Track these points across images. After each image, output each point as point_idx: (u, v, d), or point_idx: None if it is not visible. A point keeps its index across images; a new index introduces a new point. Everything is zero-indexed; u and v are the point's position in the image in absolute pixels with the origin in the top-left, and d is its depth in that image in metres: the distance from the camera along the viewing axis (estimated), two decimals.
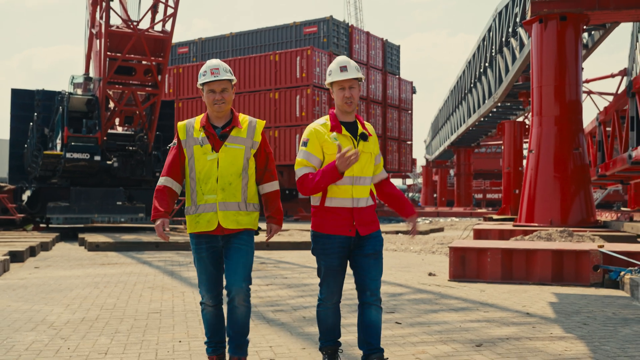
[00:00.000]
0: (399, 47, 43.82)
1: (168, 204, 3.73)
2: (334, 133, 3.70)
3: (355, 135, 3.73)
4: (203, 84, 3.77)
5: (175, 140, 3.82)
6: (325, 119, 3.78)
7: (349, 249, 3.73)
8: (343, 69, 3.74)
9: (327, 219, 3.70)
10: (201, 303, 3.85)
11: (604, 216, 23.88)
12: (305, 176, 3.67)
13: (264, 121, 3.92)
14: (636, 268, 7.17)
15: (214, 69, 3.74)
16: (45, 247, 12.34)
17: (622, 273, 7.31)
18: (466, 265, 8.11)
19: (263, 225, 4.07)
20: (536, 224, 16.34)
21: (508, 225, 17.28)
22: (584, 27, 17.78)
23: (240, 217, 3.72)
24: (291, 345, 4.55)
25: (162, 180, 3.79)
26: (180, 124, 3.85)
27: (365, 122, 3.85)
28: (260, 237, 10.99)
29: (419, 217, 32.97)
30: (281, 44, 40.74)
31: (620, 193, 48.23)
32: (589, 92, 45.63)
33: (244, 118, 3.85)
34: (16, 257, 9.94)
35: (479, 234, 15.22)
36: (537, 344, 4.58)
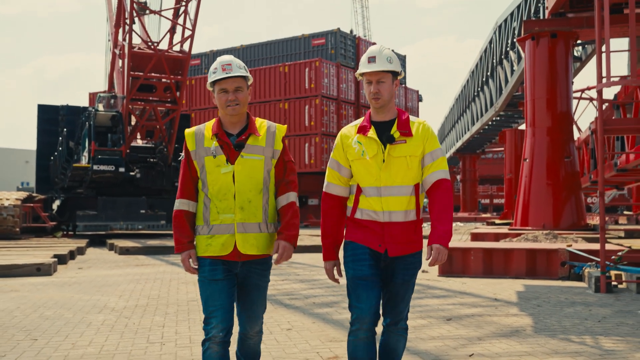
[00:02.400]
0: (404, 57, 45.16)
1: (189, 232, 3.24)
2: (357, 136, 3.22)
3: (383, 138, 3.19)
4: (214, 83, 3.24)
5: (183, 153, 3.33)
6: (360, 120, 3.31)
7: (379, 263, 3.23)
8: (371, 59, 3.22)
9: (357, 229, 3.24)
10: (205, 341, 3.17)
11: (596, 220, 24.99)
12: (325, 207, 3.33)
13: (285, 126, 3.40)
14: (594, 263, 8.43)
15: (226, 64, 3.20)
16: (81, 251, 13.74)
17: (584, 268, 8.57)
18: (453, 263, 9.41)
19: None
20: (530, 228, 17.55)
21: (504, 229, 18.50)
22: (574, 43, 19.02)
23: (260, 241, 3.21)
24: (304, 320, 5.88)
25: (177, 204, 3.28)
26: (188, 132, 3.30)
27: (413, 119, 3.27)
28: None
29: (424, 223, 34.07)
30: (290, 55, 42.12)
31: (625, 197, 49.16)
32: (591, 99, 46.77)
33: (261, 123, 3.32)
34: (60, 259, 11.31)
35: (476, 237, 16.46)
36: (495, 319, 5.89)
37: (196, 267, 3.22)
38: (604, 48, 8.45)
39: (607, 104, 20.71)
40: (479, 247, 9.41)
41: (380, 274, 3.23)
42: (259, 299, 3.30)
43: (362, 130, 3.24)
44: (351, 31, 50.68)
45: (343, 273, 3.33)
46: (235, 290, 3.25)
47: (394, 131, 3.20)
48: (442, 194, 3.20)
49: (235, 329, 3.30)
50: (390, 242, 3.17)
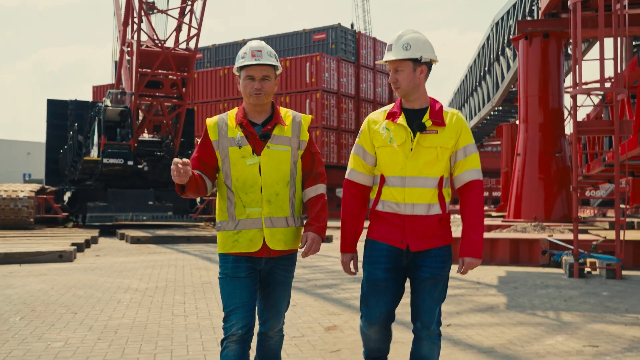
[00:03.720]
0: None
1: (194, 176, 3.00)
2: (385, 122, 3.07)
3: (413, 125, 3.03)
4: (241, 68, 3.07)
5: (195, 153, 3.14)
6: (390, 105, 3.16)
7: (400, 264, 3.05)
8: (389, 48, 3.10)
9: (378, 223, 3.08)
10: (223, 340, 3.02)
11: (587, 213, 25.81)
12: (347, 195, 3.17)
13: (311, 116, 3.26)
14: (570, 251, 9.23)
15: (256, 50, 3.04)
16: (94, 240, 14.55)
17: (562, 256, 9.37)
18: None
19: None
20: (522, 220, 18.37)
21: (498, 221, 19.32)
22: (566, 42, 19.76)
23: (288, 235, 3.06)
24: (307, 298, 6.69)
25: None
26: (210, 121, 3.15)
27: (447, 109, 3.09)
28: None
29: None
30: (291, 50, 42.73)
31: (622, 191, 49.85)
32: (589, 93, 47.47)
33: (286, 113, 3.17)
34: (78, 247, 12.11)
35: None
36: (474, 298, 6.69)
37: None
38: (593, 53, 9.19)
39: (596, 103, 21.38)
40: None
41: (397, 277, 3.05)
42: (284, 296, 3.13)
43: (391, 116, 3.07)
44: (352, 25, 51.44)
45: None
46: (257, 288, 3.08)
47: (426, 119, 3.01)
48: (475, 197, 3.04)
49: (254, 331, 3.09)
50: (411, 237, 2.99)
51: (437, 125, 3.01)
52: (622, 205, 37.29)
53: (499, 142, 60.83)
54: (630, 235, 11.10)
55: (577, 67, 9.10)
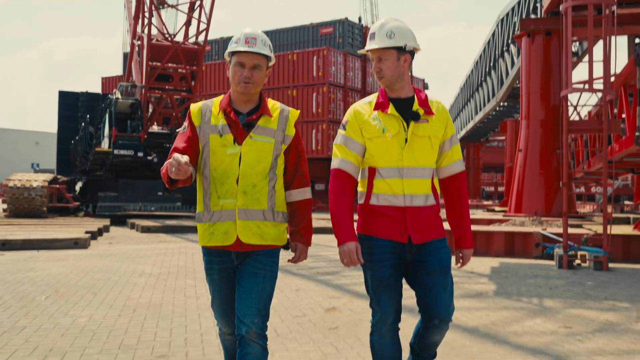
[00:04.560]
0: None
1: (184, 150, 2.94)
2: (376, 112, 2.97)
3: (406, 115, 2.95)
4: (232, 54, 2.96)
5: (186, 124, 3.03)
6: (374, 96, 3.07)
7: (403, 259, 2.96)
8: (371, 37, 3.01)
9: (373, 218, 2.96)
10: (219, 328, 3.13)
11: (587, 208, 26.17)
12: (337, 185, 2.98)
13: (298, 111, 3.14)
14: (559, 244, 9.67)
15: (251, 37, 2.92)
16: (106, 229, 15.08)
17: (555, 249, 9.81)
18: None
19: None
20: (523, 214, 18.79)
21: (499, 215, 19.74)
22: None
23: (265, 230, 2.91)
24: (309, 284, 7.17)
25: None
26: (194, 106, 3.03)
27: (430, 98, 3.06)
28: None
29: None
30: (299, 43, 43.16)
31: (629, 187, 50.16)
32: (581, 93, 47.71)
33: (274, 105, 3.04)
34: (92, 235, 12.63)
35: (472, 223, 17.76)
36: (466, 286, 7.16)
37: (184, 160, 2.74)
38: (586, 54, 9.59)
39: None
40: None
41: (401, 271, 2.98)
42: (253, 290, 2.88)
43: (380, 106, 2.97)
44: (359, 18, 51.68)
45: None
46: (234, 285, 2.99)
47: (417, 108, 2.95)
48: (461, 188, 3.05)
49: None
50: (413, 229, 2.91)
51: (427, 114, 2.96)
52: (629, 202, 37.24)
53: (503, 137, 61.30)
54: (621, 230, 11.53)
55: (568, 67, 9.50)
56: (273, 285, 2.97)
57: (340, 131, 3.04)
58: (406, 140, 2.93)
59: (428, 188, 2.97)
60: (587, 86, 9.46)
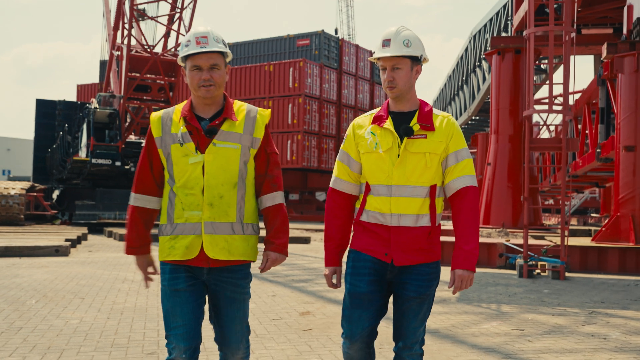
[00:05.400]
0: None
1: (142, 232, 2.85)
2: (370, 127, 2.86)
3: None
4: (185, 58, 2.76)
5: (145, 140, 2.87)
6: (377, 109, 2.92)
7: (384, 278, 2.84)
8: (385, 43, 2.84)
9: (362, 234, 2.87)
10: (172, 353, 2.77)
11: (553, 220, 27.01)
12: (331, 205, 2.94)
13: (269, 111, 2.92)
14: (521, 255, 10.25)
15: (201, 37, 2.73)
16: (84, 237, 15.34)
17: (517, 259, 10.39)
18: None
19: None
20: (491, 226, 19.44)
21: None
22: (537, 58, 20.92)
23: (233, 244, 2.75)
24: (285, 290, 7.62)
25: (131, 199, 2.87)
26: (154, 115, 2.85)
27: (437, 112, 2.89)
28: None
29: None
30: (275, 55, 43.64)
31: (597, 200, 51.35)
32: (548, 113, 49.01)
33: (240, 107, 2.86)
34: (72, 243, 12.92)
35: (442, 234, 18.37)
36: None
37: (155, 274, 2.88)
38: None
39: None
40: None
41: (382, 291, 2.84)
42: (236, 316, 2.80)
43: (377, 120, 2.85)
44: (336, 30, 52.40)
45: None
46: (203, 302, 2.81)
47: (414, 123, 2.81)
48: (468, 205, 2.79)
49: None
50: (396, 250, 2.77)
51: (426, 129, 2.79)
52: (595, 215, 38.09)
53: (475, 150, 62.45)
54: (580, 241, 12.18)
55: (530, 89, 10.11)
56: (248, 305, 2.90)
57: (341, 146, 2.96)
58: (398, 156, 2.78)
59: (421, 208, 2.78)
60: (547, 107, 10.05)
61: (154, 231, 2.80)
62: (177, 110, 2.82)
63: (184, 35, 20.74)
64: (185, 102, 2.85)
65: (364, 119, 2.92)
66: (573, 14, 9.55)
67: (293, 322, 5.75)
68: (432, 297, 2.89)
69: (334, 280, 2.94)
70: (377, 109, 2.92)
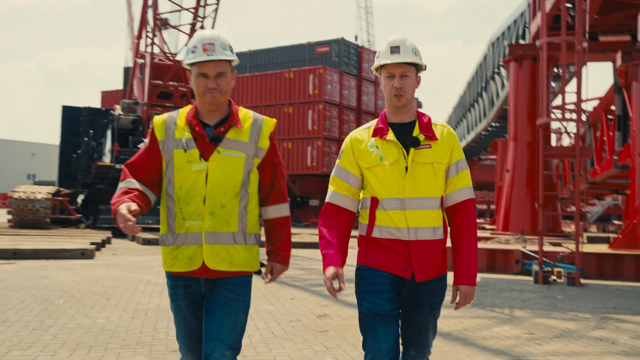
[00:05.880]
0: None
1: (132, 196, 2.63)
2: (373, 139, 2.77)
3: (405, 141, 2.76)
4: (191, 65, 2.72)
5: (146, 140, 2.83)
6: (373, 122, 2.86)
7: (400, 293, 2.78)
8: (394, 50, 2.76)
9: (375, 250, 2.76)
10: None
11: (573, 228, 26.84)
12: (327, 221, 2.80)
13: (274, 120, 2.87)
14: (536, 261, 10.35)
15: (208, 43, 2.67)
16: (109, 241, 15.71)
17: (533, 265, 10.50)
18: None
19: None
20: (510, 233, 19.52)
21: (487, 233, 20.45)
22: (554, 66, 20.98)
23: (235, 254, 2.70)
24: (303, 294, 7.83)
25: (120, 185, 2.72)
26: (157, 119, 2.80)
27: (435, 122, 2.85)
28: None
29: None
30: (296, 62, 43.98)
31: (619, 207, 50.94)
32: (561, 120, 48.76)
33: (246, 114, 2.81)
34: (97, 247, 13.26)
35: None
36: (446, 298, 7.80)
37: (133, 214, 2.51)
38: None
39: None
40: (447, 246, 11.37)
41: (400, 307, 2.78)
42: (225, 320, 2.67)
43: (378, 132, 2.78)
44: (356, 37, 52.64)
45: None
46: (201, 316, 2.77)
47: (417, 133, 2.76)
48: (469, 219, 2.78)
49: None
50: (418, 265, 2.69)
51: (430, 139, 2.75)
52: (617, 222, 37.95)
53: (495, 157, 62.28)
54: (597, 248, 12.23)
55: (543, 97, 10.24)
56: (246, 317, 2.75)
57: (337, 161, 2.87)
58: (407, 168, 2.72)
59: (436, 220, 2.74)
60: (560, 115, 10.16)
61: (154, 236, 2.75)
62: (182, 114, 2.77)
63: None
64: (189, 106, 2.81)
65: (362, 133, 2.84)
66: (585, 23, 9.66)
67: (310, 324, 5.96)
68: (440, 307, 2.89)
69: (336, 285, 2.68)
70: (373, 122, 2.85)
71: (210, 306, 2.70)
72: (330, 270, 2.68)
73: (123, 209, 2.48)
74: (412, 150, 2.73)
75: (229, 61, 2.73)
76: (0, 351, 4.65)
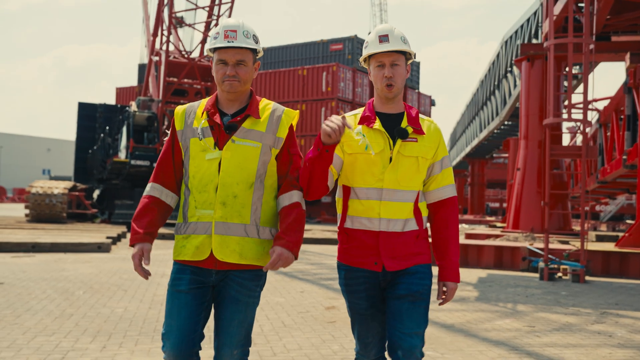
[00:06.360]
0: (419, 63, 47.30)
1: (153, 220, 2.69)
2: (360, 127, 2.73)
3: (393, 131, 2.72)
4: (214, 51, 2.69)
5: (168, 131, 2.70)
6: (360, 110, 2.83)
7: (379, 288, 2.76)
8: (383, 38, 2.71)
9: (350, 245, 2.76)
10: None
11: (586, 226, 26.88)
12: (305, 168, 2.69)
13: (297, 112, 2.82)
14: (542, 258, 10.54)
15: (230, 30, 2.64)
16: (124, 235, 16.05)
17: (539, 262, 10.68)
18: None
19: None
20: (520, 231, 19.66)
21: (497, 231, 20.62)
22: (566, 65, 21.07)
23: (246, 247, 2.63)
24: (313, 287, 8.09)
25: (147, 189, 2.77)
26: (179, 109, 2.81)
27: (422, 116, 2.81)
28: None
29: None
30: (309, 59, 44.30)
31: (633, 206, 50.74)
32: (568, 121, 48.65)
33: (266, 105, 2.76)
34: (112, 241, 13.59)
35: (470, 237, 18.62)
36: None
37: (147, 266, 2.69)
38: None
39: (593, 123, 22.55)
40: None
41: (380, 304, 2.77)
42: (235, 318, 2.64)
43: (365, 120, 2.74)
44: (369, 34, 52.70)
45: None
46: (205, 308, 2.67)
47: (406, 126, 2.72)
48: (452, 216, 2.78)
49: None
50: (386, 256, 2.68)
51: (417, 133, 2.73)
52: (630, 221, 37.88)
53: (507, 155, 62.31)
54: (604, 246, 12.39)
55: (550, 98, 10.41)
56: (254, 313, 2.72)
57: None
58: (390, 159, 2.69)
59: (408, 212, 2.72)
60: (566, 116, 10.34)
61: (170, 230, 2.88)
62: (202, 104, 2.76)
63: None
64: (211, 96, 2.80)
65: (350, 119, 2.78)
66: (593, 25, 9.81)
67: (319, 315, 6.21)
68: (426, 299, 2.71)
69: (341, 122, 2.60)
70: (360, 109, 2.83)
71: (222, 302, 2.66)
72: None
73: (136, 258, 2.63)
74: (398, 141, 2.70)
75: (252, 50, 2.69)
76: (27, 337, 4.94)
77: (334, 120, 2.57)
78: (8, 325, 5.32)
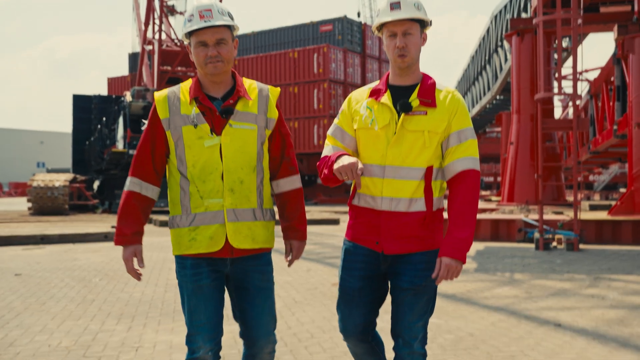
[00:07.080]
0: None
1: (138, 220, 2.64)
2: (367, 100, 2.62)
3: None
4: (190, 34, 2.58)
5: (146, 121, 2.73)
6: (377, 82, 2.70)
7: (379, 270, 2.65)
8: (394, 5, 2.54)
9: (356, 221, 2.68)
10: (192, 349, 2.63)
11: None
12: (322, 160, 2.62)
13: (278, 89, 2.77)
14: (537, 229, 10.89)
15: (205, 9, 2.53)
16: None
17: (535, 233, 11.04)
18: None
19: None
20: (515, 203, 20.03)
21: (493, 204, 20.98)
22: (555, 38, 21.31)
23: (256, 231, 2.63)
24: (318, 266, 8.42)
25: (127, 184, 2.67)
26: (159, 95, 2.66)
27: (440, 87, 2.62)
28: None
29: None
30: (299, 41, 44.32)
31: (626, 175, 51.27)
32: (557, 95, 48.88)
33: (251, 85, 2.70)
34: None
35: None
36: None
37: (141, 268, 2.65)
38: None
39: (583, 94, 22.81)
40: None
41: (374, 285, 2.67)
42: (266, 305, 2.67)
43: (375, 94, 2.62)
44: (358, 13, 52.75)
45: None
46: (223, 296, 2.67)
47: (413, 98, 2.56)
48: (466, 190, 2.52)
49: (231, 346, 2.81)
50: (386, 237, 2.57)
51: (426, 105, 2.54)
52: (624, 190, 38.53)
53: (500, 129, 62.56)
54: (596, 215, 12.76)
55: (540, 73, 10.69)
56: (274, 292, 2.78)
57: (335, 120, 2.72)
58: (394, 133, 2.55)
59: (415, 192, 2.54)
60: (556, 90, 10.63)
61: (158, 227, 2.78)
62: (184, 89, 2.64)
63: None
64: (189, 81, 2.68)
65: (362, 93, 2.70)
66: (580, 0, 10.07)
67: (327, 291, 6.54)
68: (431, 289, 2.62)
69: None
70: (377, 82, 2.70)
71: (247, 292, 2.65)
72: (344, 157, 2.51)
73: (130, 261, 2.61)
74: (402, 115, 2.54)
75: (229, 28, 2.59)
76: (56, 321, 5.25)
77: (349, 172, 2.42)
78: (36, 312, 5.63)
